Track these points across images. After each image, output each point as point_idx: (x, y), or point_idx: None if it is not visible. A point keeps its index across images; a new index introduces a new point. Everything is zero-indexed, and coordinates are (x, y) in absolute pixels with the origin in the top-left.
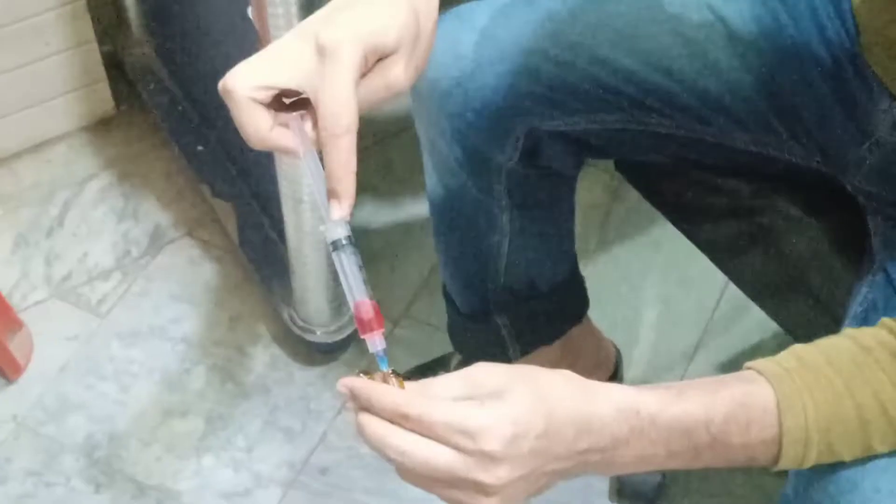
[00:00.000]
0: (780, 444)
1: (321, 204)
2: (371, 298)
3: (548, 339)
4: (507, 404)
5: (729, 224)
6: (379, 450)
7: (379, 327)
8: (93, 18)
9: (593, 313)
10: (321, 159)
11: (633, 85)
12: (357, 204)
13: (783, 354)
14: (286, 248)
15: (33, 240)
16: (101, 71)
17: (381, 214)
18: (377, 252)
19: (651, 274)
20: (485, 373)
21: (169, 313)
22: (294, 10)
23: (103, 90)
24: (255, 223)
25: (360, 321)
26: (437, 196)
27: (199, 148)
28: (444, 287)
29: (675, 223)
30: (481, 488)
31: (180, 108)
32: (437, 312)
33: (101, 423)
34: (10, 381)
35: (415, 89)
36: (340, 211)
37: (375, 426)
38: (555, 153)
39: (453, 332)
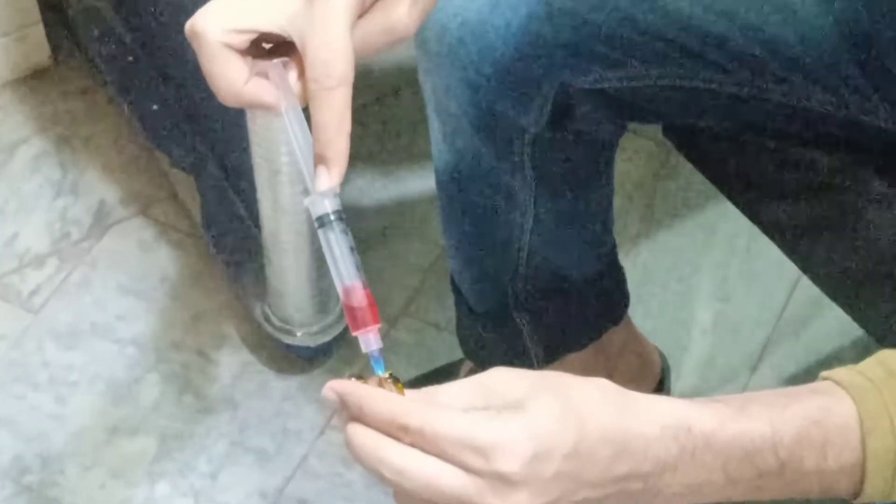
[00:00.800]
0: (863, 471)
1: (305, 172)
2: (365, 286)
3: (578, 345)
4: (529, 417)
5: (802, 204)
6: (371, 468)
7: (374, 322)
8: None
9: (635, 313)
10: (307, 118)
11: (687, 32)
12: (347, 176)
13: (867, 362)
14: (260, 231)
15: None
16: (35, 13)
17: (376, 190)
18: (370, 236)
19: (706, 265)
20: (502, 379)
21: (116, 309)
22: None
23: (37, 36)
24: (223, 200)
25: (351, 313)
26: (446, 167)
27: (154, 107)
28: (453, 279)
29: (735, 203)
30: (504, 483)
31: (131, 58)
32: (444, 311)
33: (32, 441)
34: None
35: (420, 36)
36: (329, 180)
37: (368, 438)
38: (590, 115)
39: (463, 334)
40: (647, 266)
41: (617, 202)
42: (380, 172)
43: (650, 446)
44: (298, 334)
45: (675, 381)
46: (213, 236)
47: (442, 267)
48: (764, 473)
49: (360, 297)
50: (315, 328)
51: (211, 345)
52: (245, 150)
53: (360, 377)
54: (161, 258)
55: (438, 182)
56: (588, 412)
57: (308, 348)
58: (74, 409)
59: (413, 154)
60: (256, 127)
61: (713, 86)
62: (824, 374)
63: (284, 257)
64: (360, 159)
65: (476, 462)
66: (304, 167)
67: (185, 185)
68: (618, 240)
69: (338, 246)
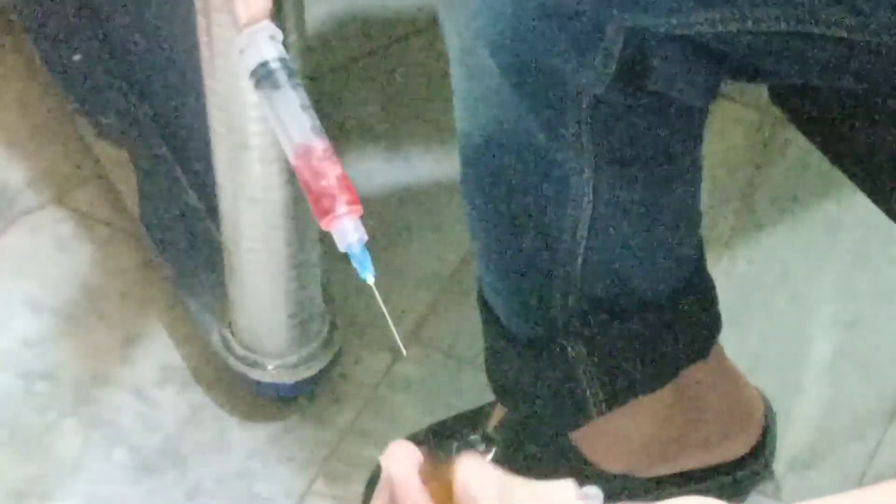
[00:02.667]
0: None
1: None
2: (328, 149)
3: (651, 384)
4: None
5: None
6: None
7: (350, 202)
8: None
9: (728, 342)
10: None
11: None
12: (338, 154)
13: None
14: (218, 226)
15: None
16: None
17: (377, 173)
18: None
19: (825, 278)
20: None
21: (21, 331)
22: None
23: None
24: (168, 184)
25: (315, 194)
26: (474, 139)
27: (77, 57)
28: (481, 294)
29: (869, 193)
30: None
31: None
32: (467, 336)
33: None
34: None
35: None
36: (247, 9)
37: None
38: (671, 72)
39: (494, 368)
40: (745, 279)
41: (705, 192)
42: (383, 149)
43: None
44: (270, 367)
45: (784, 435)
46: (153, 233)
47: (462, 277)
48: None
49: (324, 165)
50: (293, 359)
51: (151, 380)
52: (199, 115)
53: (436, 456)
54: (84, 261)
55: (463, 159)
56: None
57: (283, 386)
58: None
59: (428, 125)
60: (216, 80)
61: (842, 33)
62: None
63: (252, 262)
64: (356, 131)
65: None
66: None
67: (116, 162)
68: (706, 243)
69: (285, 105)
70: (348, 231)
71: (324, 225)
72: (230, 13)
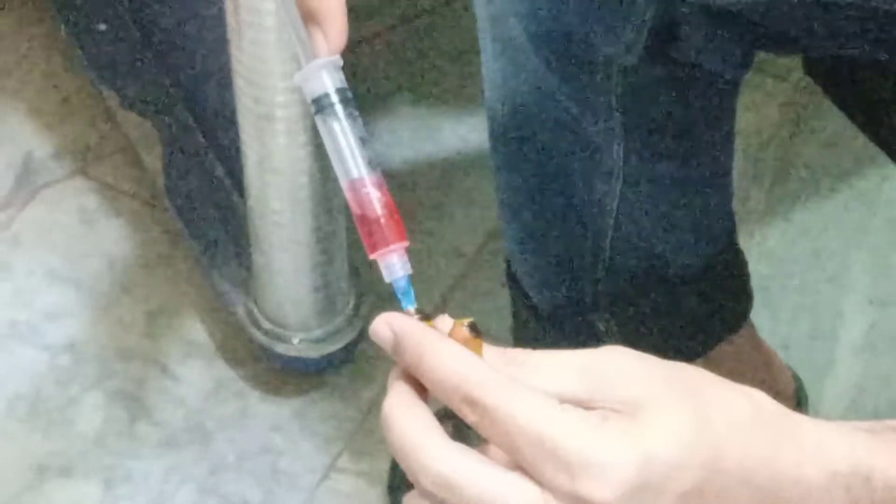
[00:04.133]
0: None
1: (297, 42)
2: (382, 184)
3: (681, 359)
4: (645, 430)
5: None
6: (408, 469)
7: (398, 238)
8: None
9: (759, 318)
10: None
11: None
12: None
13: None
14: (244, 199)
15: None
16: None
17: (403, 145)
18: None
19: (858, 255)
20: (620, 364)
21: (45, 303)
22: None
23: None
24: (193, 154)
25: (365, 225)
26: (503, 111)
27: (102, 27)
28: (509, 267)
29: None
30: None
31: None
32: (493, 312)
33: None
34: None
35: None
36: (327, 43)
37: (410, 428)
38: (704, 41)
39: (522, 342)
40: (776, 255)
41: (738, 166)
42: (410, 119)
43: (810, 498)
44: (295, 341)
45: (814, 414)
46: (178, 205)
47: (491, 252)
48: None
49: (374, 200)
50: (318, 333)
51: (174, 354)
52: (225, 85)
53: (427, 317)
54: (107, 234)
55: (492, 131)
56: (731, 438)
57: (308, 360)
58: None
59: (456, 95)
60: (242, 51)
61: (873, 1)
62: None
63: (277, 234)
64: (382, 102)
65: (556, 476)
66: (294, 34)
67: (141, 133)
68: (738, 217)
69: (343, 136)
70: (395, 265)
71: (372, 257)
72: (302, 45)
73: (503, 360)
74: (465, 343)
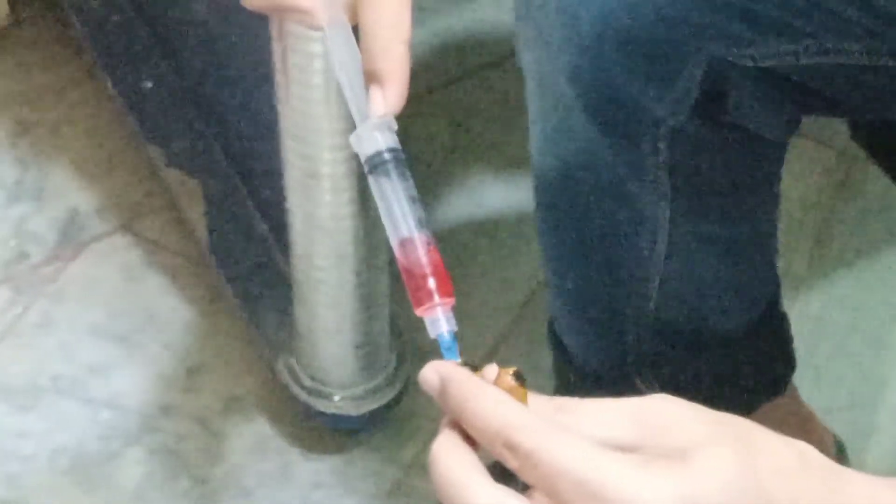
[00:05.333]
0: None
1: (352, 102)
2: (430, 243)
3: None
4: (689, 474)
5: None
6: (448, 501)
7: (444, 294)
8: None
9: (801, 383)
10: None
11: None
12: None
13: None
14: (287, 256)
15: None
16: None
17: (446, 204)
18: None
19: None
20: (670, 412)
21: (88, 358)
22: None
23: None
24: (237, 211)
25: (413, 282)
26: (549, 171)
27: (148, 84)
28: (552, 327)
29: None
30: None
31: (118, 17)
32: (537, 370)
33: None
34: None
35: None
36: (385, 102)
37: (455, 467)
38: (752, 104)
39: None
40: (819, 319)
41: (781, 230)
42: (453, 178)
43: None
44: (336, 399)
45: None
46: (221, 261)
47: (535, 311)
48: None
49: (422, 257)
50: (359, 390)
51: (215, 410)
52: (271, 143)
53: (475, 367)
54: (150, 289)
55: (538, 192)
56: (778, 484)
57: (349, 418)
58: (29, 492)
59: (500, 154)
60: (289, 108)
61: None
62: None
63: (320, 292)
64: (425, 161)
65: None
66: (349, 93)
67: (185, 190)
68: (782, 281)
69: (395, 195)
70: (440, 321)
71: (418, 312)
72: (357, 104)
73: (552, 406)
74: (509, 391)
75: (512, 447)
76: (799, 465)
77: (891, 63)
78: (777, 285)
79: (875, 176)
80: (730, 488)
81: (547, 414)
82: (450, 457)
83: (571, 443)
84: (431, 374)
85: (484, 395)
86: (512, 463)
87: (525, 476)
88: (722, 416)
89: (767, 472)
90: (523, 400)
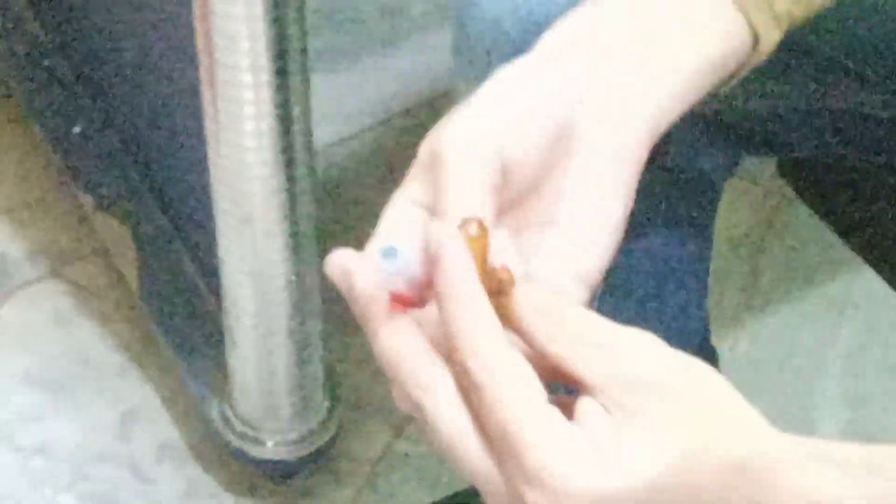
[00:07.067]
0: None
1: None
2: None
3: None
4: (620, 464)
5: None
6: (393, 375)
7: None
8: None
9: None
10: None
11: (835, 38)
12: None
13: None
14: (220, 301)
15: None
16: None
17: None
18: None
19: (833, 356)
20: (648, 350)
21: (18, 405)
22: None
23: None
24: (169, 258)
25: None
26: None
27: (77, 129)
28: None
29: (878, 270)
30: None
31: (46, 61)
32: None
33: None
34: None
35: (462, 31)
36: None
37: (402, 337)
38: (692, 148)
39: None
40: (750, 357)
41: (711, 267)
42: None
43: None
44: (269, 444)
45: None
46: (153, 307)
47: None
48: None
49: None
50: (293, 435)
51: (148, 457)
52: (203, 188)
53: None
54: (82, 335)
55: None
56: (708, 487)
57: (283, 463)
58: None
59: None
60: (220, 155)
61: (859, 107)
62: None
63: (252, 337)
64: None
65: (514, 475)
66: None
67: (115, 236)
68: (712, 319)
69: None
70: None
71: None
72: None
73: (541, 303)
74: (469, 242)
75: (465, 369)
76: (737, 468)
77: (825, 104)
78: (707, 322)
79: (802, 212)
80: (655, 488)
81: (534, 308)
82: (413, 338)
83: (520, 400)
84: (435, 238)
85: (467, 298)
86: (460, 379)
87: (466, 396)
88: (691, 379)
89: (703, 475)
90: (483, 252)
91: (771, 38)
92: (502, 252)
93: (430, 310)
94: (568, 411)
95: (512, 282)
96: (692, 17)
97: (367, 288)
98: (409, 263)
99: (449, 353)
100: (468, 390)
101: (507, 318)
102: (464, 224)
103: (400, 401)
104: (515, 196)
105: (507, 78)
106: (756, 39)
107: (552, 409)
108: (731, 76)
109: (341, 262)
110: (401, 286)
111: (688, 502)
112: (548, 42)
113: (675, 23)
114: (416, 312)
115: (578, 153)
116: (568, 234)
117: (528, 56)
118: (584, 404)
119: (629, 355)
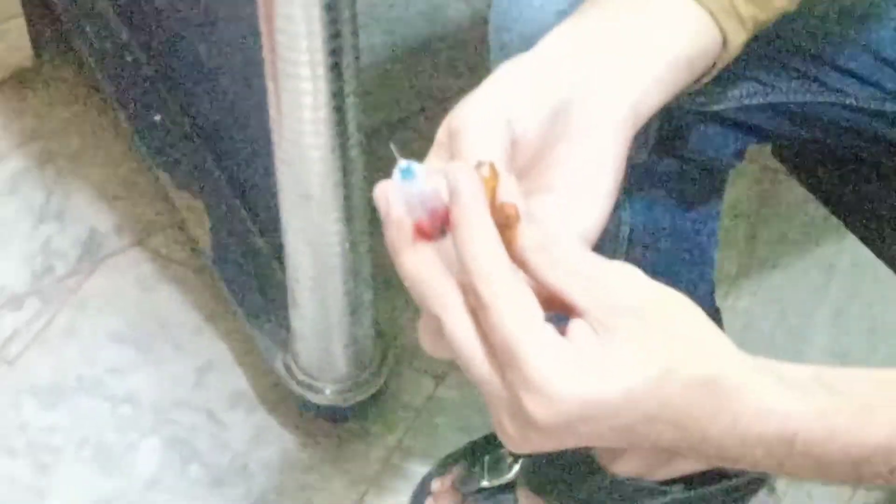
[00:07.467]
0: None
1: None
2: None
3: None
4: (605, 371)
5: None
6: (415, 291)
7: None
8: None
9: None
10: None
11: (826, 44)
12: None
13: None
14: (283, 267)
15: None
16: (15, 4)
17: None
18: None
19: (821, 313)
20: (627, 279)
21: (107, 360)
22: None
23: (18, 32)
24: (238, 229)
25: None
26: None
27: (157, 118)
28: None
29: (860, 236)
30: (526, 418)
31: (130, 58)
32: None
33: None
34: None
35: (494, 37)
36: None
37: (423, 261)
38: (704, 140)
39: None
40: (748, 313)
41: None
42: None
43: (730, 449)
44: (327, 392)
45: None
46: (224, 273)
47: None
48: (863, 476)
49: None
50: (348, 384)
51: (221, 404)
52: (267, 168)
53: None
54: (162, 298)
55: None
56: (679, 395)
57: (338, 409)
58: (58, 481)
59: None
60: (283, 138)
61: (852, 101)
62: None
63: (311, 298)
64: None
65: (514, 382)
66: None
67: (192, 210)
68: (714, 280)
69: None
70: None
71: None
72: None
73: (539, 236)
74: (483, 182)
75: (474, 289)
76: (707, 377)
77: (825, 98)
78: (712, 287)
79: (794, 187)
80: (634, 397)
81: (535, 242)
82: (430, 259)
83: (520, 318)
84: (453, 174)
85: (478, 225)
86: (469, 300)
87: (475, 314)
88: (666, 306)
89: (676, 384)
90: (494, 191)
91: (738, 38)
92: (510, 194)
93: (447, 244)
94: (562, 334)
95: (517, 217)
96: (667, 19)
97: (396, 213)
98: (426, 187)
99: (459, 275)
100: (476, 308)
101: (511, 250)
102: (477, 166)
103: (423, 339)
104: (521, 167)
105: (513, 68)
106: (725, 40)
107: (548, 326)
108: (705, 73)
109: (384, 190)
110: (422, 215)
111: (658, 411)
112: (548, 40)
113: (653, 24)
114: (436, 244)
115: (573, 131)
116: (563, 199)
117: (530, 52)
118: (575, 325)
119: (614, 284)
